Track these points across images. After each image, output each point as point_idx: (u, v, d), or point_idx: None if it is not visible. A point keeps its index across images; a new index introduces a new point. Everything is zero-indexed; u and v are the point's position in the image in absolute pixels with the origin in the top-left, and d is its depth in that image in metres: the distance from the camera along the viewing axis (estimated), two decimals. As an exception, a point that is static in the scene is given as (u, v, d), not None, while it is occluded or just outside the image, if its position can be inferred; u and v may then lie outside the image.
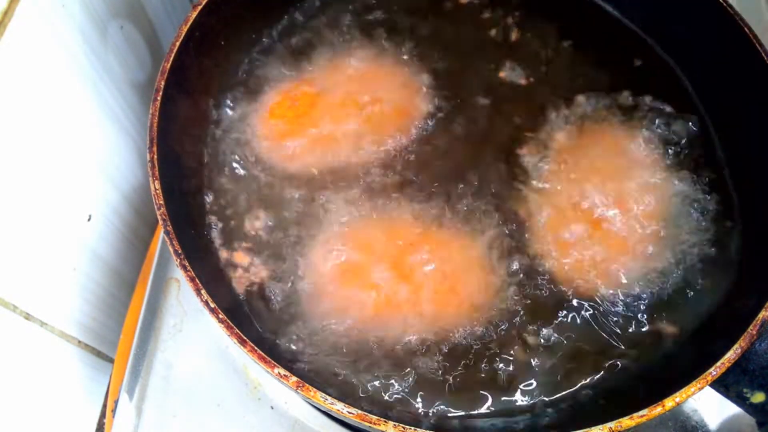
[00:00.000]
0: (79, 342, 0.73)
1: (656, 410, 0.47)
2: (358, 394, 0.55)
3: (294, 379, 0.47)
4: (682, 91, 0.70)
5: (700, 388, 0.48)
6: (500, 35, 0.74)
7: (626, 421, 0.46)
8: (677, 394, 0.48)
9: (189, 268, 0.50)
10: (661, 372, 0.55)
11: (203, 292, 0.49)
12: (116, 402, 0.65)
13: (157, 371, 0.65)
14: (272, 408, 0.64)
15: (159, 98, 0.56)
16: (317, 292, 0.59)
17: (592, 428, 0.46)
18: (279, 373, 0.47)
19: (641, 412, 0.47)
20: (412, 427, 0.46)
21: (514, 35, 0.74)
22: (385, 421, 0.46)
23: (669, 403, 0.47)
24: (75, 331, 0.72)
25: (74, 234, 0.70)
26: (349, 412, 0.46)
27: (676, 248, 0.61)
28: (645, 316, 0.58)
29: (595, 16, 0.75)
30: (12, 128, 0.58)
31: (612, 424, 0.46)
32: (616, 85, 0.70)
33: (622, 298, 0.59)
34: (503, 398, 0.56)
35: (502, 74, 0.71)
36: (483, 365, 0.56)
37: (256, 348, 0.47)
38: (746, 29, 0.62)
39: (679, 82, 0.71)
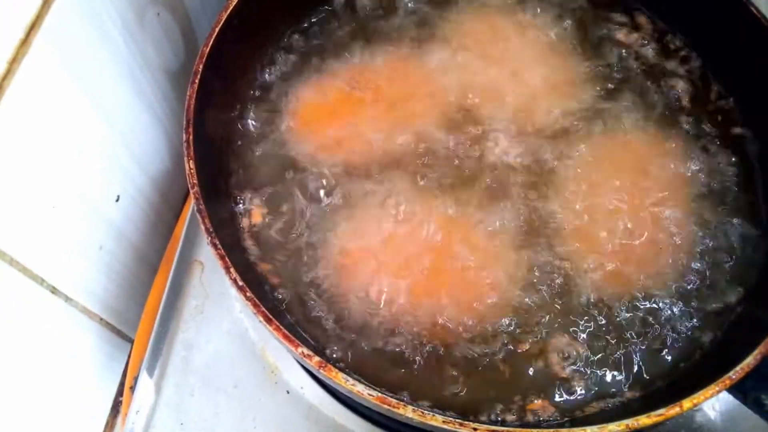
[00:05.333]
0: (101, 319, 0.74)
1: (674, 410, 0.47)
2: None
3: (317, 359, 0.47)
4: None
5: (718, 391, 0.48)
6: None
7: (643, 419, 0.47)
8: (695, 396, 0.48)
9: (219, 246, 0.51)
10: (682, 374, 0.56)
11: (232, 270, 0.50)
12: (136, 379, 0.67)
13: (177, 351, 0.67)
14: (288, 392, 0.65)
15: (197, 81, 0.57)
16: (343, 273, 0.59)
17: (610, 424, 0.47)
18: (302, 352, 0.48)
19: (659, 411, 0.47)
20: (431, 413, 0.46)
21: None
22: (405, 405, 0.46)
23: (687, 404, 0.48)
24: (98, 308, 0.73)
25: (103, 213, 0.71)
26: (370, 394, 0.46)
27: (702, 254, 0.61)
28: (668, 319, 0.59)
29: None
30: (50, 106, 0.59)
31: (629, 421, 0.47)
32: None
33: (645, 301, 0.59)
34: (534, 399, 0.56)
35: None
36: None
37: (281, 327, 0.48)
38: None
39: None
